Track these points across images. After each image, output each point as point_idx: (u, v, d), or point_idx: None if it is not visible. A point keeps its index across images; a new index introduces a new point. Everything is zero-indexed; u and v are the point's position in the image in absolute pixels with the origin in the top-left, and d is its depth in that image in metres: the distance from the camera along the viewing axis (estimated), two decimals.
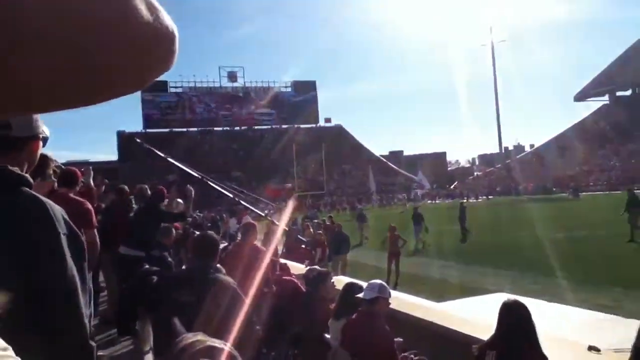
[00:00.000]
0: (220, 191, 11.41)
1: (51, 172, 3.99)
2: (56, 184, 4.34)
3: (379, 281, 4.31)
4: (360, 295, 4.16)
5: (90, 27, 0.47)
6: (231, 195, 11.49)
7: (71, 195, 4.33)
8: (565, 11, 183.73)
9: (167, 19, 0.54)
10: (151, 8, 0.52)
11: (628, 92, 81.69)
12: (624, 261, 12.82)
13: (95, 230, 4.26)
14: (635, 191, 19.03)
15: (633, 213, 17.09)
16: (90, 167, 6.54)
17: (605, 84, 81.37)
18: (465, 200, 32.47)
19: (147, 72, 0.55)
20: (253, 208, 11.91)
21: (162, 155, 14.22)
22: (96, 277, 7.24)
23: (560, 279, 11.10)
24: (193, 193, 7.04)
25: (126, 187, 7.77)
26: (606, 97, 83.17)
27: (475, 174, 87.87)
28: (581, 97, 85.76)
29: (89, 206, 4.29)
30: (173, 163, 13.40)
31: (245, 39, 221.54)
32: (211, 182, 10.18)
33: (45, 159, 3.56)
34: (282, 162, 79.83)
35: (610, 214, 21.83)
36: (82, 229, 4.07)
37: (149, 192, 7.38)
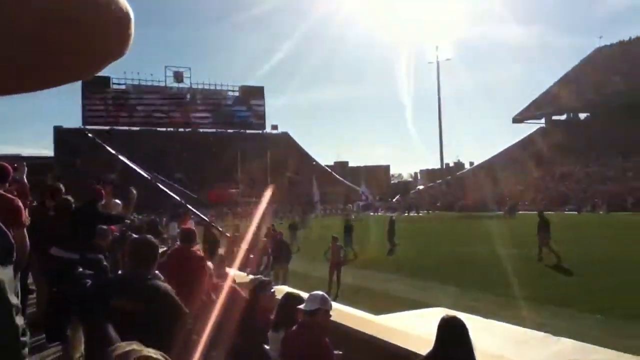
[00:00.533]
0: (167, 194, 11.16)
1: None
2: None
3: (320, 292, 4.27)
4: (301, 306, 4.11)
5: (41, 7, 0.47)
6: (179, 199, 11.27)
7: (0, 191, 4.11)
8: (509, 34, 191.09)
9: (123, 1, 0.53)
10: None
11: (563, 117, 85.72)
12: (549, 280, 13.38)
13: (25, 230, 4.03)
14: (545, 213, 19.85)
15: (541, 235, 17.82)
16: (24, 163, 6.24)
17: (542, 108, 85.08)
18: (394, 214, 33.49)
19: (101, 57, 0.54)
20: (200, 214, 11.71)
21: (113, 152, 13.59)
22: (25, 277, 6.87)
23: (495, 296, 11.45)
24: (135, 196, 6.81)
25: (61, 185, 7.40)
26: (542, 121, 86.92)
27: (418, 187, 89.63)
28: (519, 119, 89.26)
29: (19, 203, 4.06)
30: (121, 161, 12.97)
31: (194, 41, 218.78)
32: (161, 184, 9.95)
33: None
34: (227, 166, 79.05)
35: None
36: (11, 227, 3.86)
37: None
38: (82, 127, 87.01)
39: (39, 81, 0.51)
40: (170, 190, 11.34)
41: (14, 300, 1.22)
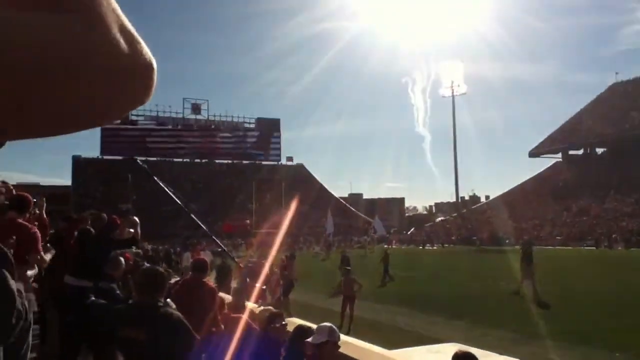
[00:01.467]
0: (197, 224, 11.33)
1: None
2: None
3: (328, 324, 4.25)
4: (310, 339, 4.09)
5: (67, 58, 0.46)
6: (206, 229, 11.47)
7: (19, 220, 4.23)
8: (525, 70, 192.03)
9: (146, 51, 0.53)
10: (130, 40, 0.52)
11: (580, 152, 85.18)
12: (564, 317, 13.09)
13: (42, 255, 4.16)
14: (529, 246, 19.26)
15: (524, 268, 17.52)
16: (44, 198, 6.37)
17: (558, 142, 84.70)
18: (388, 247, 33.78)
19: (124, 105, 0.54)
20: (220, 243, 11.83)
21: (161, 184, 13.61)
22: (37, 308, 6.91)
23: (509, 332, 11.23)
24: (139, 225, 6.92)
25: (74, 215, 7.50)
26: (559, 155, 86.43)
27: (439, 219, 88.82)
28: (535, 153, 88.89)
29: (36, 231, 4.19)
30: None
31: (212, 73, 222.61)
32: (193, 215, 10.13)
33: None
34: (242, 198, 79.33)
35: (562, 268, 22.17)
36: (28, 253, 3.97)
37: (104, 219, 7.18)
38: (99, 156, 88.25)
39: (59, 128, 0.52)
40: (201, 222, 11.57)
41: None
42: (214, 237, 11.56)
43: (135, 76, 0.52)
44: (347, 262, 21.21)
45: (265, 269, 10.18)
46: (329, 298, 14.36)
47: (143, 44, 0.53)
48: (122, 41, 0.50)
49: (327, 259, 31.51)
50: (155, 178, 13.63)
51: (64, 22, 0.47)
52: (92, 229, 6.78)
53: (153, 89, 0.55)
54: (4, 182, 4.24)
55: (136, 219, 6.90)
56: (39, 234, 4.19)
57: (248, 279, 12.03)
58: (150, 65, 0.53)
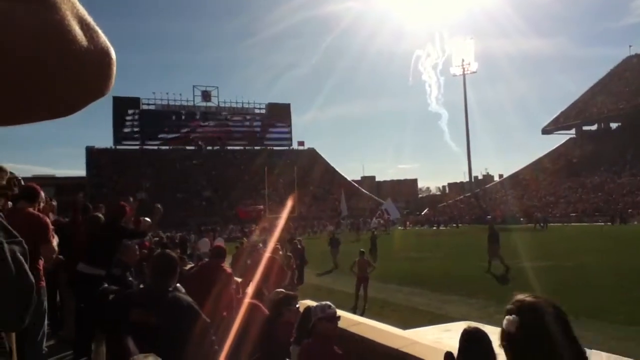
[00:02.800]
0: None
1: (4, 183, 3.95)
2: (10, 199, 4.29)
3: (318, 304, 4.27)
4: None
5: (19, 43, 0.45)
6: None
7: (30, 210, 4.28)
8: (535, 46, 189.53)
9: (104, 40, 0.53)
10: (87, 29, 0.51)
11: (594, 127, 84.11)
12: (579, 291, 13.04)
13: (53, 244, 4.20)
14: (495, 226, 20.21)
15: (491, 247, 18.34)
16: (54, 203, 6.47)
17: (572, 118, 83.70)
18: (376, 230, 33.76)
19: (81, 94, 0.53)
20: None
21: None
22: (53, 296, 7.02)
23: None
24: (161, 212, 6.94)
25: (89, 205, 7.59)
26: (573, 131, 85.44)
27: (452, 200, 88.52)
28: (549, 130, 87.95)
29: (47, 220, 4.24)
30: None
31: (221, 60, 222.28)
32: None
33: None
34: (255, 183, 79.57)
35: (576, 244, 22.04)
36: (40, 242, 4.02)
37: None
38: (113, 147, 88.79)
39: (6, 115, 0.51)
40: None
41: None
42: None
43: (91, 64, 0.51)
44: (336, 244, 23.01)
45: (266, 256, 10.12)
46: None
47: (100, 33, 0.52)
48: (77, 29, 0.49)
49: (358, 241, 31.66)
50: None
51: (16, 7, 0.46)
52: (101, 217, 6.85)
53: (112, 80, 0.54)
54: (11, 174, 4.28)
55: (160, 207, 6.92)
56: (49, 223, 4.25)
57: (249, 261, 12.02)
58: (107, 53, 0.52)
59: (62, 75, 0.48)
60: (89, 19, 0.52)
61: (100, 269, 5.73)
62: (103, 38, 0.52)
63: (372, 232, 26.96)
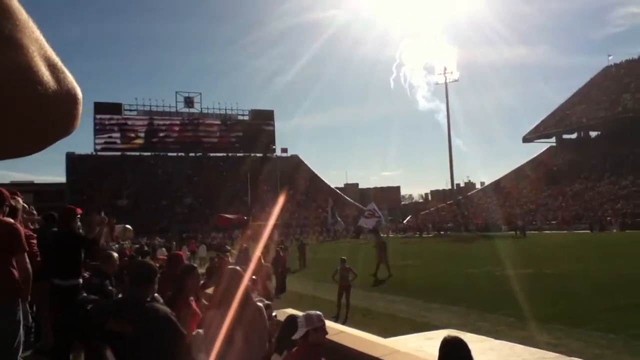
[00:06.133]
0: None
1: None
2: None
3: (304, 314, 4.23)
4: (294, 336, 4.08)
5: None
6: None
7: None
8: (517, 54, 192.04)
9: (71, 80, 0.53)
10: (53, 69, 0.51)
11: (574, 136, 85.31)
12: (560, 299, 13.16)
13: (26, 255, 4.04)
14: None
15: (379, 254, 20.18)
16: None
17: (552, 127, 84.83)
18: (302, 237, 34.90)
19: (46, 135, 0.52)
20: None
21: None
22: (30, 307, 6.87)
23: (505, 317, 11.29)
24: (106, 220, 6.87)
25: (55, 214, 7.26)
26: (553, 140, 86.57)
27: (434, 208, 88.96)
28: (529, 138, 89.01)
29: (18, 227, 4.09)
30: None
31: (204, 66, 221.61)
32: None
33: None
34: (237, 190, 79.23)
35: (556, 252, 22.21)
36: (13, 253, 3.88)
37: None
38: (94, 153, 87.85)
39: None
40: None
41: None
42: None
43: (57, 107, 0.50)
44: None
45: (255, 259, 10.09)
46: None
47: (68, 74, 0.52)
48: (44, 71, 0.48)
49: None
50: None
51: None
52: (51, 227, 6.55)
53: (77, 120, 0.54)
54: None
55: (104, 216, 6.79)
56: (21, 230, 4.09)
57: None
58: (74, 95, 0.52)
59: (27, 119, 0.48)
60: (57, 59, 0.51)
61: (73, 278, 5.59)
62: (70, 78, 0.52)
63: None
